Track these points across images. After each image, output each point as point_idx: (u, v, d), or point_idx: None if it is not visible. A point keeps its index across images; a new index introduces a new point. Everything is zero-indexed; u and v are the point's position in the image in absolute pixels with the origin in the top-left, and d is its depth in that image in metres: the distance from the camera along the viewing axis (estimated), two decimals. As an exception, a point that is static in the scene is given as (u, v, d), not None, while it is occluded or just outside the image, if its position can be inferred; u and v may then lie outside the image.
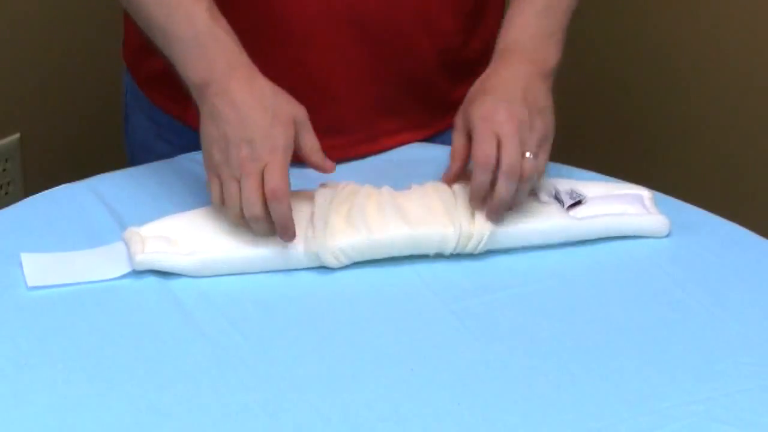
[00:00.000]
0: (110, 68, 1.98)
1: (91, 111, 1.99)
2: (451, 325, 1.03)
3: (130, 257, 1.06)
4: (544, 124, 1.08)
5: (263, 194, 1.03)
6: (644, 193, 1.17)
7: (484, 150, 1.06)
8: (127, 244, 1.07)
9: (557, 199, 1.13)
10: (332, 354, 0.99)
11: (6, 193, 1.95)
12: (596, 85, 2.00)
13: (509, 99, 1.08)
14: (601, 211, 1.14)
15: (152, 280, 1.06)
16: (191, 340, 0.99)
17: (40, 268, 1.05)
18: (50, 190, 1.17)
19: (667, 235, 1.15)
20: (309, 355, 0.99)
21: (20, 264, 1.05)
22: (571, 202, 1.13)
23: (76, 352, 0.97)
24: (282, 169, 1.03)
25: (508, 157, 1.05)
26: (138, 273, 1.06)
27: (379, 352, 1.00)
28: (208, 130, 1.06)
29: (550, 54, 1.13)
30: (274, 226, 1.05)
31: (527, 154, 1.06)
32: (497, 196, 1.06)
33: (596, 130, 2.05)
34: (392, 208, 1.09)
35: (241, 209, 1.04)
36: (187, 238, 1.07)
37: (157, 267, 1.05)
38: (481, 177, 1.07)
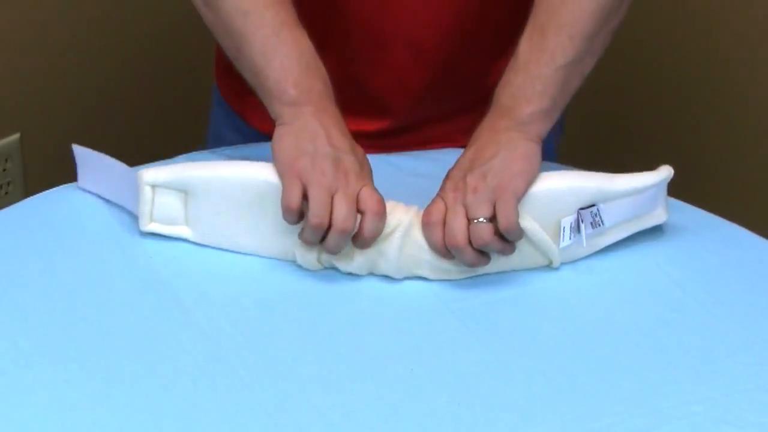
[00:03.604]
0: (110, 68, 1.99)
1: (91, 111, 1.99)
2: (451, 325, 1.03)
3: (139, 219, 1.10)
4: (492, 181, 1.06)
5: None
6: (661, 196, 1.15)
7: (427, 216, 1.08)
8: (137, 203, 1.10)
9: (578, 222, 1.09)
10: (332, 354, 0.99)
11: (6, 193, 1.95)
12: (596, 85, 2.00)
13: (458, 166, 1.09)
14: (608, 238, 1.13)
15: (152, 279, 1.06)
16: (191, 340, 0.99)
17: (91, 173, 1.14)
18: (50, 190, 1.17)
19: (667, 235, 1.15)
20: (309, 354, 0.99)
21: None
22: (590, 231, 1.10)
23: (76, 352, 0.97)
24: (377, 195, 1.06)
25: (448, 232, 1.06)
26: (138, 273, 1.06)
27: (379, 352, 1.00)
28: (298, 141, 1.08)
29: (520, 103, 1.11)
30: (347, 243, 1.06)
31: (479, 219, 1.05)
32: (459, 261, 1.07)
33: (596, 130, 2.05)
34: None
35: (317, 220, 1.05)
36: (198, 197, 1.09)
37: (162, 233, 1.10)
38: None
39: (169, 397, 0.93)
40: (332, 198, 1.05)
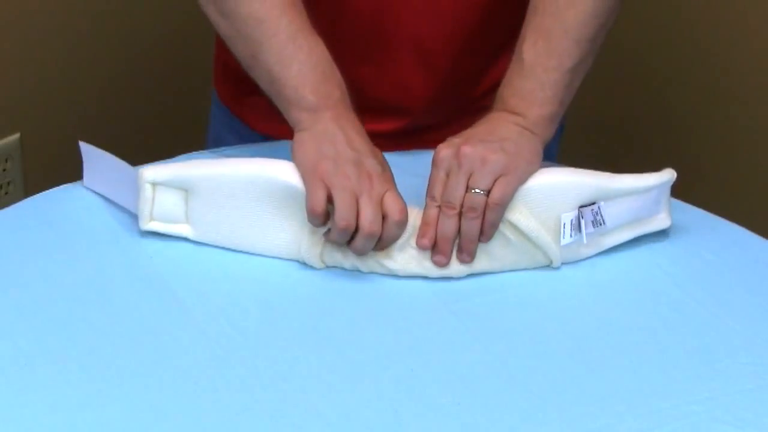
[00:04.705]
0: (111, 68, 1.99)
1: (91, 111, 1.99)
2: (451, 325, 1.03)
3: (139, 217, 1.09)
4: (503, 158, 1.08)
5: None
6: (663, 200, 1.15)
7: (429, 189, 1.09)
8: (137, 201, 1.10)
9: (579, 219, 1.10)
10: (332, 354, 0.99)
11: (6, 193, 1.95)
12: (596, 85, 2.00)
13: (466, 137, 1.10)
14: (610, 240, 1.13)
15: (152, 279, 1.06)
16: (191, 340, 0.99)
17: (96, 171, 1.14)
18: (50, 190, 1.17)
19: (667, 235, 1.15)
20: (309, 354, 0.99)
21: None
22: (591, 230, 1.10)
23: (76, 352, 0.97)
24: (401, 201, 1.07)
25: (446, 194, 1.08)
26: (138, 273, 1.06)
27: (379, 352, 1.00)
28: (319, 145, 1.08)
29: (531, 107, 1.12)
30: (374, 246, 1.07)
31: (476, 190, 1.07)
32: (439, 232, 1.08)
33: (596, 130, 2.05)
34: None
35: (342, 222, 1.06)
36: (199, 196, 1.09)
37: (162, 232, 1.10)
38: (427, 211, 1.09)
39: (169, 397, 0.93)
40: (357, 201, 1.06)
